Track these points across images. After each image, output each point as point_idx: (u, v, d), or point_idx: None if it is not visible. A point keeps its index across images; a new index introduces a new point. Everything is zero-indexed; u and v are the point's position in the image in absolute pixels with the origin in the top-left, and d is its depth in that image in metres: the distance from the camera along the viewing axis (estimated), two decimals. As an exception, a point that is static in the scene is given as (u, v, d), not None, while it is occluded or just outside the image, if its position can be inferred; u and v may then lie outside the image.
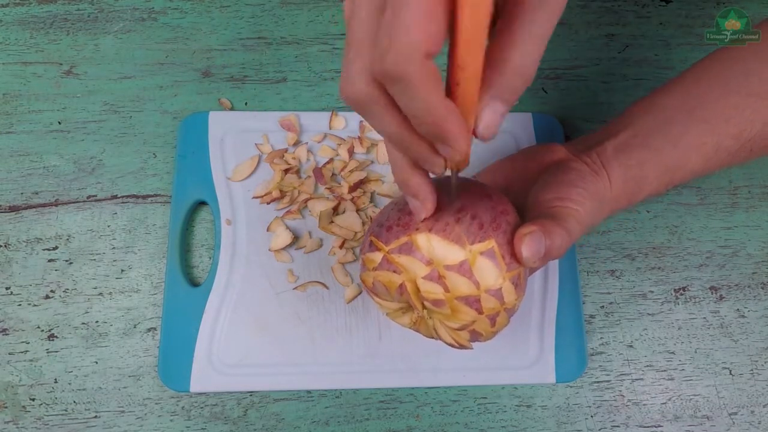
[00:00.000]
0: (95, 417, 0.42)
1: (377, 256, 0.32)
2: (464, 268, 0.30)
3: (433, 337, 0.35)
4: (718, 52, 0.36)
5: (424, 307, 0.32)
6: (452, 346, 0.34)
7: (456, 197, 0.31)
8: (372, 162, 0.47)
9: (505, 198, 0.33)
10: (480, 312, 0.30)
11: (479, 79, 0.22)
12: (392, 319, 0.35)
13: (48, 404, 0.42)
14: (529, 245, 0.29)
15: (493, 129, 0.23)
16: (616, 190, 0.34)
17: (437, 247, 0.30)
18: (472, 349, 0.34)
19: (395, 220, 0.32)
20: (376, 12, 0.21)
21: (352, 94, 0.23)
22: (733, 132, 0.33)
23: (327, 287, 0.44)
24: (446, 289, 0.30)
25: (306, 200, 0.46)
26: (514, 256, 0.30)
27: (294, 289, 0.44)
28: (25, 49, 0.50)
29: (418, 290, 0.31)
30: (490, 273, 0.30)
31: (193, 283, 0.44)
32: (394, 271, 0.31)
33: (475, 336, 0.32)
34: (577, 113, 0.50)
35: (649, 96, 0.37)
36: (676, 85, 0.36)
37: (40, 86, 0.49)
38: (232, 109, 0.49)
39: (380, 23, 0.20)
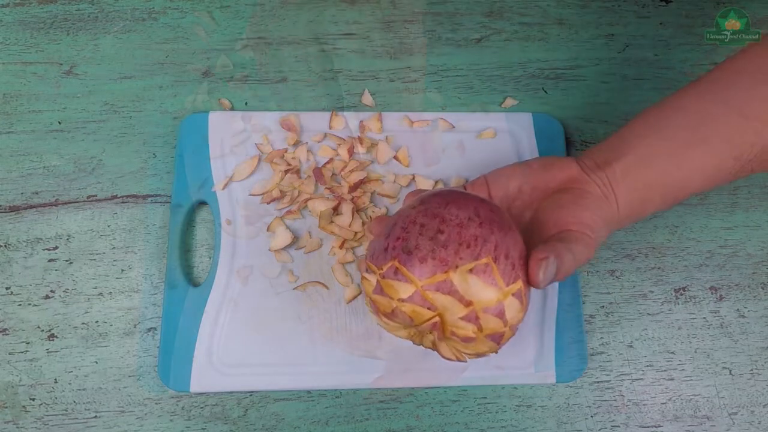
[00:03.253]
0: (95, 417, 0.42)
1: (406, 289, 0.31)
2: (499, 309, 0.31)
3: (426, 348, 0.35)
4: (723, 66, 0.36)
5: (445, 334, 0.33)
6: (449, 360, 0.34)
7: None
8: (372, 162, 0.47)
9: (514, 225, 0.34)
10: (499, 344, 0.32)
11: None
12: (389, 331, 0.35)
13: (48, 404, 0.42)
14: (544, 270, 0.31)
15: None
16: (623, 212, 0.35)
17: (475, 287, 0.31)
18: (466, 362, 0.35)
19: (428, 251, 0.31)
20: None
21: None
22: (734, 154, 0.34)
23: (327, 287, 0.44)
24: (479, 328, 0.31)
25: (306, 200, 0.46)
26: (527, 282, 0.32)
27: (294, 289, 0.44)
28: (25, 49, 0.50)
29: (446, 324, 0.32)
30: (516, 310, 0.32)
31: (193, 283, 0.45)
32: (428, 308, 0.31)
33: (481, 356, 0.34)
34: (578, 113, 0.51)
35: (656, 109, 0.37)
36: (682, 101, 0.36)
37: (40, 86, 0.49)
38: (232, 109, 0.49)
39: None
